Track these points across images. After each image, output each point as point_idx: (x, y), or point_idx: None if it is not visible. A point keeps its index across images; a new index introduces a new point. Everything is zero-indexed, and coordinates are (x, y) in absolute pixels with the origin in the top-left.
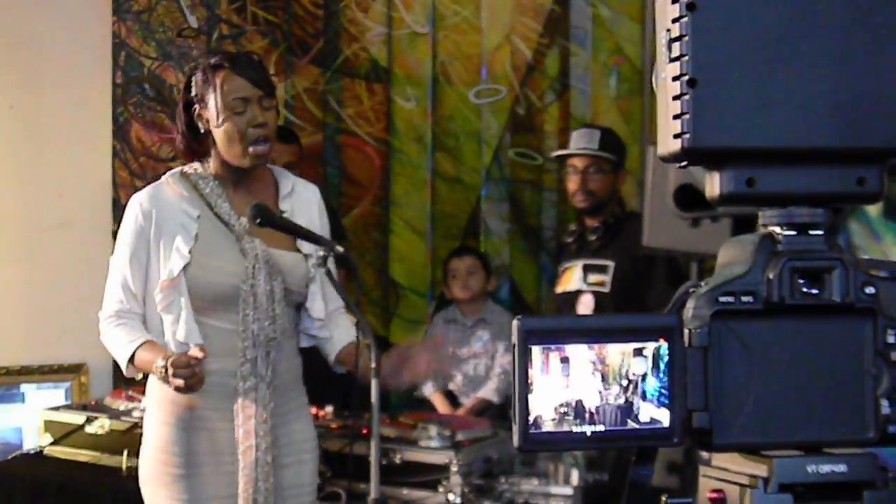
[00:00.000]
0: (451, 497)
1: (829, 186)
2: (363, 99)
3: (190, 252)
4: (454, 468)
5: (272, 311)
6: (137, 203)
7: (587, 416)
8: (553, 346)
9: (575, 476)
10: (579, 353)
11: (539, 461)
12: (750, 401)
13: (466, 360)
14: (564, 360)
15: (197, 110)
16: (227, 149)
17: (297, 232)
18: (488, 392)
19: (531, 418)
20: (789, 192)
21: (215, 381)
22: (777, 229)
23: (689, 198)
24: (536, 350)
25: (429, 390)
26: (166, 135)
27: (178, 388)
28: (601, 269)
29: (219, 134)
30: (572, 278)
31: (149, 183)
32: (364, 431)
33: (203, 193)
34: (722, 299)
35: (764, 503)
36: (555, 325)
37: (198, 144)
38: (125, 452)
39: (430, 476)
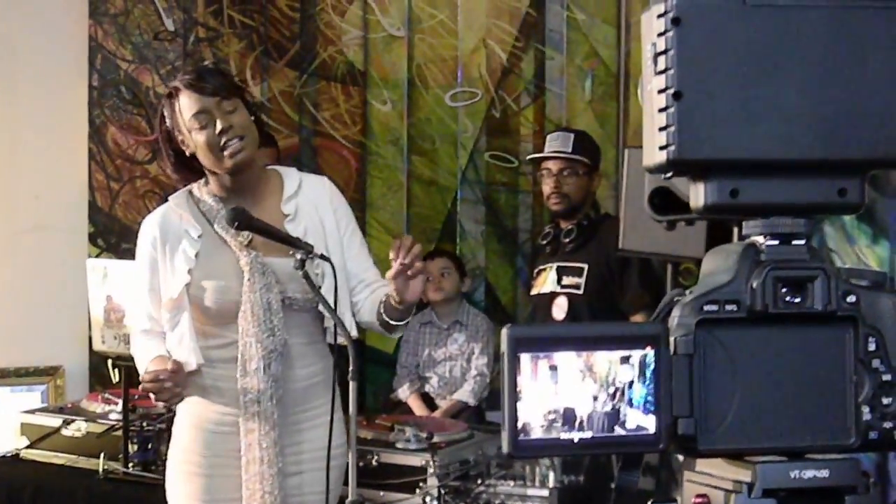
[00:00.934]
0: (427, 499)
1: (811, 197)
2: (339, 102)
3: (190, 272)
4: (431, 470)
5: (270, 324)
6: (146, 228)
7: (575, 422)
8: (542, 354)
9: (551, 478)
10: (568, 360)
11: (515, 463)
12: (734, 407)
13: (442, 363)
14: (553, 368)
15: (178, 138)
16: (208, 163)
17: (273, 235)
18: (464, 394)
19: (520, 425)
20: (772, 202)
21: (225, 388)
22: (760, 239)
23: (664, 202)
24: (525, 358)
25: (404, 393)
26: (142, 137)
27: (155, 401)
28: (576, 272)
29: (197, 153)
30: (547, 280)
31: (124, 185)
32: None
33: (203, 211)
34: (706, 308)
35: None
36: (543, 333)
37: (190, 169)
38: (102, 455)
39: (407, 478)
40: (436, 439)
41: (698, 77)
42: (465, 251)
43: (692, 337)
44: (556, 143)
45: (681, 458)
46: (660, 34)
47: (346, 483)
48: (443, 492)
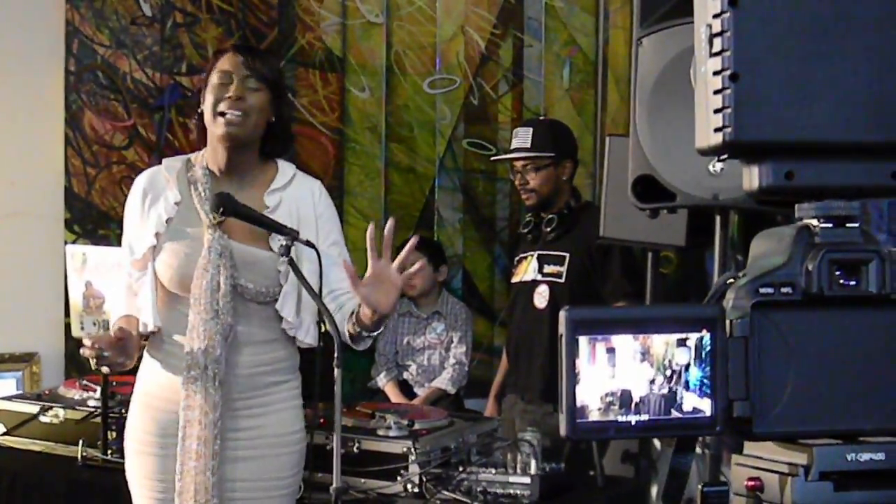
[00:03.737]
0: (409, 487)
1: (864, 180)
2: (317, 88)
3: (158, 236)
4: (412, 457)
5: (215, 306)
6: (137, 182)
7: (632, 405)
8: (600, 337)
9: (532, 465)
10: (625, 343)
11: (496, 451)
12: (789, 390)
13: (421, 351)
14: (610, 351)
15: (202, 95)
16: (207, 124)
17: (257, 221)
18: (443, 382)
19: (578, 407)
20: (827, 185)
21: (176, 364)
22: (814, 222)
23: (647, 189)
24: (583, 341)
25: (382, 381)
26: (119, 123)
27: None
28: (557, 260)
29: (204, 111)
30: (528, 269)
31: (101, 171)
32: (322, 422)
33: (190, 180)
34: (762, 290)
35: (805, 491)
36: (601, 315)
37: (206, 137)
38: (80, 442)
39: (388, 465)
40: (417, 426)
41: (755, 59)
42: (443, 239)
43: (748, 319)
44: (517, 141)
45: (658, 445)
46: (715, 15)
47: (325, 470)
48: (424, 479)
